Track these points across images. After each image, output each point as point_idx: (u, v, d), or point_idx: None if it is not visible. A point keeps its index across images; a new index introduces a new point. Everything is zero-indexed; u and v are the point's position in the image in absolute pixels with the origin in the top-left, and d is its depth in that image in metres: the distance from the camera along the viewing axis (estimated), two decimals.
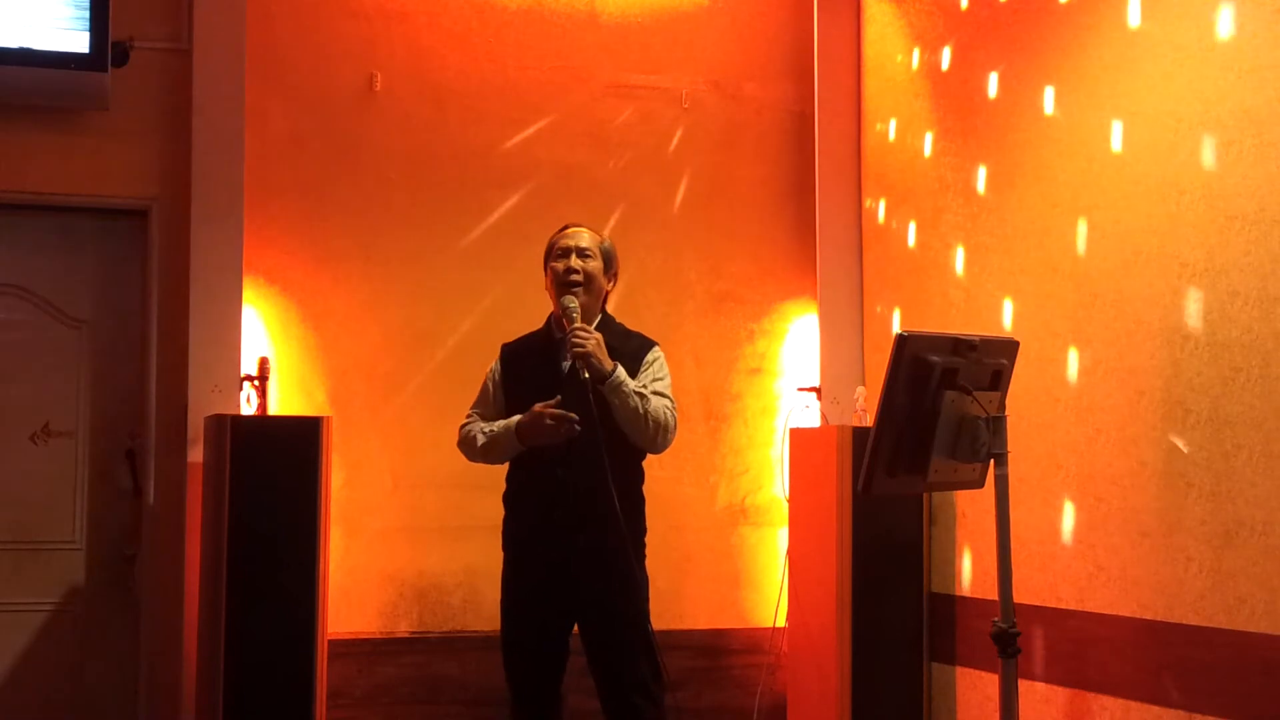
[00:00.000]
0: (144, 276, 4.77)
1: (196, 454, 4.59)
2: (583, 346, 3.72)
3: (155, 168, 4.76)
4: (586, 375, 3.70)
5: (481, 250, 5.09)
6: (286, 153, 4.90)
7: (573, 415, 3.71)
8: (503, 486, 3.98)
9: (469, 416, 4.03)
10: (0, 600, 4.64)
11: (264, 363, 4.62)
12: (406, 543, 4.93)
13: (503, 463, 3.94)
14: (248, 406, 4.63)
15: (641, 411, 3.76)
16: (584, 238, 3.96)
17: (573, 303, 3.84)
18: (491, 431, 3.90)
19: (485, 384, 4.05)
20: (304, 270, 4.90)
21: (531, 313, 4.99)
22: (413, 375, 4.99)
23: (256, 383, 4.60)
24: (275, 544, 4.22)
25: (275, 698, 4.20)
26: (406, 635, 4.92)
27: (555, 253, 3.96)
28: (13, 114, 4.61)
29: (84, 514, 4.72)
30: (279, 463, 4.26)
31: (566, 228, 4.03)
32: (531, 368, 3.93)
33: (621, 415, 3.76)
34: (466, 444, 3.99)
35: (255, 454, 4.23)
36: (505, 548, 3.98)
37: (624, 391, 3.74)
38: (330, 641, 4.39)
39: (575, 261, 3.91)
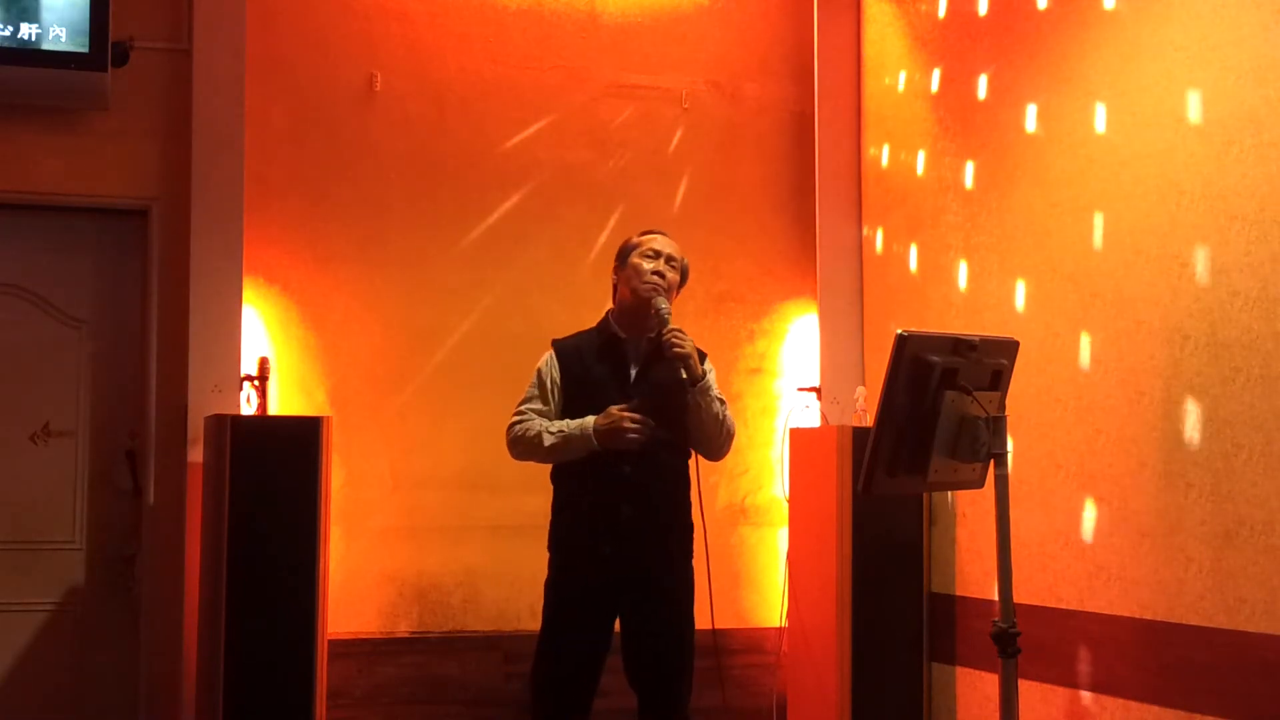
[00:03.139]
0: (144, 276, 4.77)
1: (196, 454, 4.59)
2: (682, 348, 3.72)
3: (155, 168, 4.76)
4: (685, 376, 3.71)
5: (481, 250, 5.08)
6: (286, 153, 4.90)
7: (649, 421, 3.73)
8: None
9: (520, 414, 3.86)
10: (0, 600, 4.64)
11: (264, 363, 4.62)
12: (406, 543, 4.93)
13: (564, 461, 3.83)
14: (248, 406, 4.63)
15: (721, 417, 3.80)
16: (672, 247, 3.95)
17: (664, 304, 3.81)
18: (562, 432, 3.77)
19: (541, 381, 3.89)
20: (304, 270, 4.90)
21: (532, 313, 5.02)
22: (413, 375, 4.99)
23: (256, 383, 4.60)
24: (275, 544, 4.22)
25: (275, 698, 4.19)
26: (406, 635, 4.92)
27: (645, 252, 3.91)
28: (13, 114, 4.61)
29: (84, 514, 4.72)
30: (279, 463, 4.25)
31: (650, 232, 3.98)
32: (595, 367, 3.88)
33: (704, 418, 3.76)
34: (524, 442, 3.82)
35: (255, 454, 4.22)
36: (556, 550, 3.89)
37: (710, 396, 3.78)
38: (330, 641, 4.39)
39: (664, 266, 3.89)
